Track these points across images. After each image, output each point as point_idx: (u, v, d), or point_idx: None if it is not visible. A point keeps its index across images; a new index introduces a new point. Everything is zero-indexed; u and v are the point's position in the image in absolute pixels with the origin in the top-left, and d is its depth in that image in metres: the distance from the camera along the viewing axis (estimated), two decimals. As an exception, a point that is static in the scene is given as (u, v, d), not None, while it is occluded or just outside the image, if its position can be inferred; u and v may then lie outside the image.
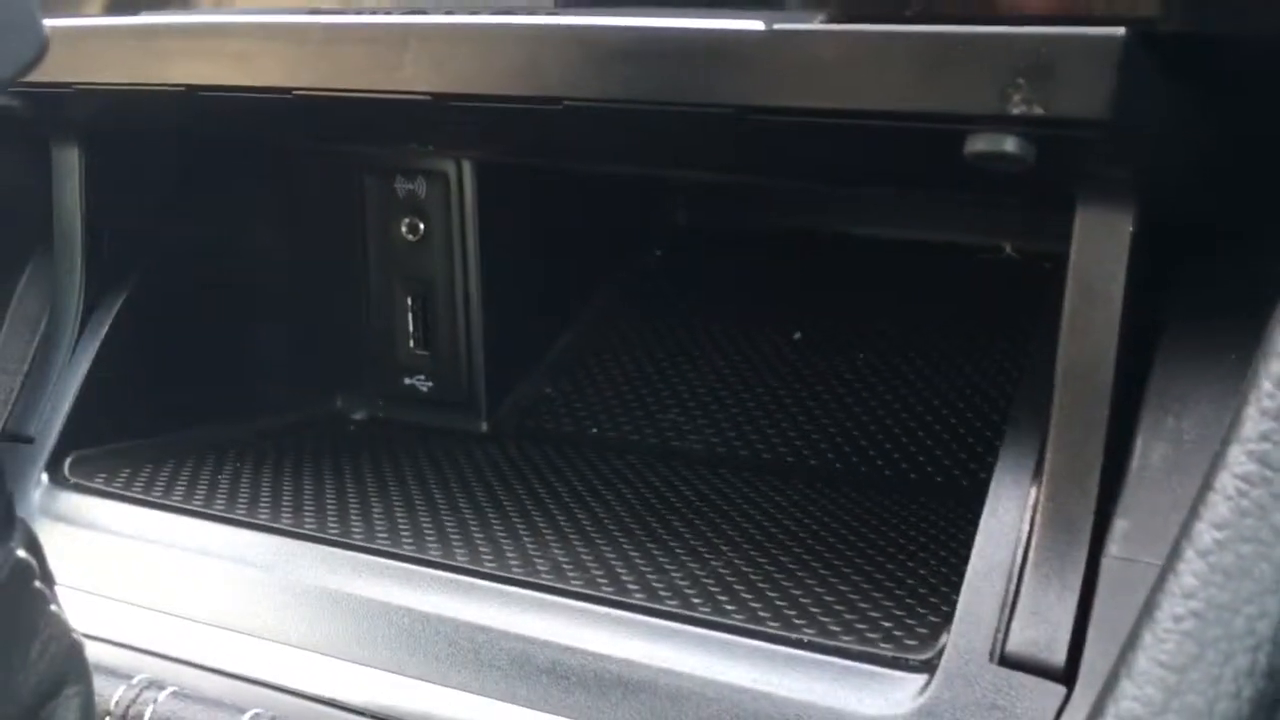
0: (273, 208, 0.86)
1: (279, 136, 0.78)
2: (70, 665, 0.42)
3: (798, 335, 0.92)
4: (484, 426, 0.88)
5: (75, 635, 0.42)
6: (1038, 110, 0.43)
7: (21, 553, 0.40)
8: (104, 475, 0.73)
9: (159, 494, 0.71)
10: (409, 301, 0.89)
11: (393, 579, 0.60)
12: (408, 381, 0.90)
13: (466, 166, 0.84)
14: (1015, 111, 0.43)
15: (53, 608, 0.42)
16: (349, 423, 0.91)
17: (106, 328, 0.76)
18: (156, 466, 0.76)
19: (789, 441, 0.82)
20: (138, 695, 0.54)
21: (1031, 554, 0.50)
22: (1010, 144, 0.44)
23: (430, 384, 0.89)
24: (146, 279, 0.78)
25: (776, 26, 0.46)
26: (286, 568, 0.63)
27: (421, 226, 0.87)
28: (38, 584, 0.41)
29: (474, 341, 0.88)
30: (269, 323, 0.87)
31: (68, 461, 0.73)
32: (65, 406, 0.74)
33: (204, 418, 0.83)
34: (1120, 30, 0.41)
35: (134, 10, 0.62)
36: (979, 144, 0.45)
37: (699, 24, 0.48)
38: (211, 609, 0.61)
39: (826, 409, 0.84)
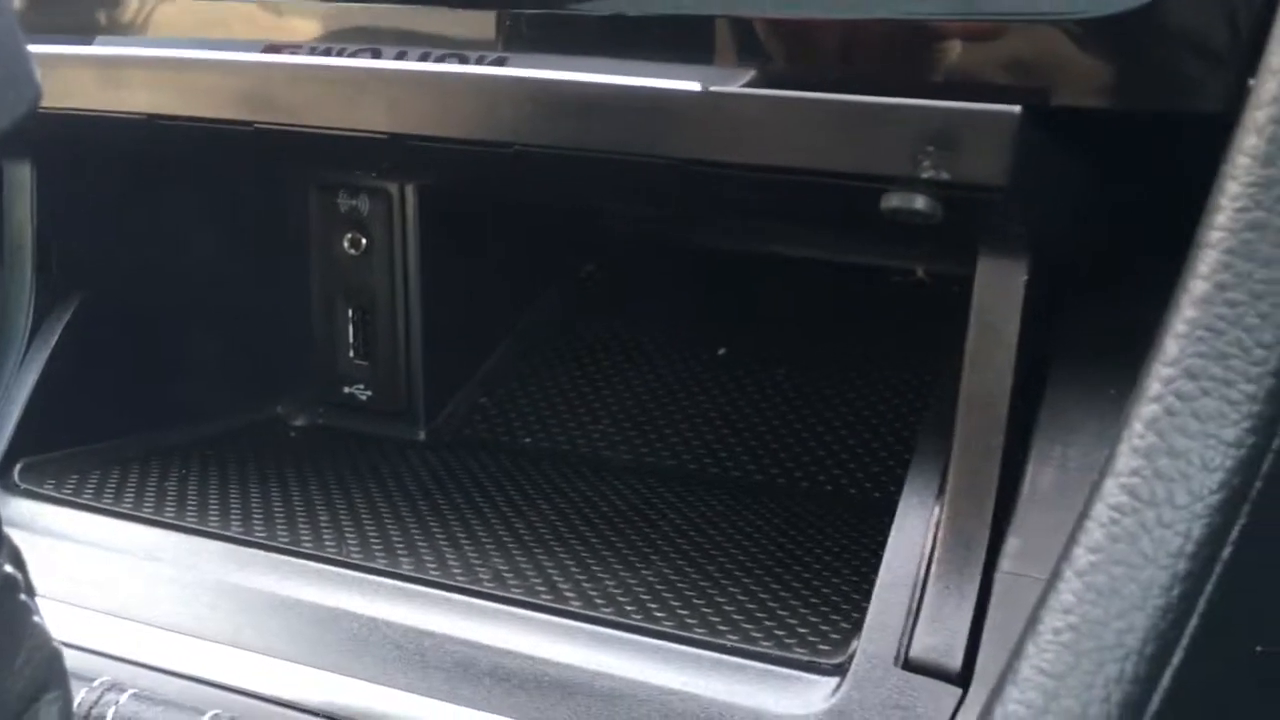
0: (218, 221, 0.88)
1: (230, 160, 0.80)
2: (51, 672, 0.45)
3: (722, 351, 0.96)
4: (422, 435, 0.91)
5: (55, 644, 0.45)
6: (944, 175, 0.48)
7: (8, 567, 0.43)
8: (53, 481, 0.76)
9: (109, 500, 0.74)
10: (350, 313, 0.92)
11: (342, 586, 0.64)
12: (347, 390, 0.93)
13: (409, 186, 0.87)
14: (924, 175, 0.48)
15: (35, 619, 0.45)
16: (289, 429, 0.93)
17: (55, 338, 0.78)
18: (104, 472, 0.78)
19: (713, 453, 0.87)
20: (100, 697, 0.57)
21: (934, 567, 0.55)
22: (920, 202, 0.49)
23: (370, 393, 0.93)
24: (94, 291, 0.81)
25: (712, 89, 0.51)
26: (239, 575, 0.66)
27: (364, 241, 0.90)
28: (22, 596, 0.44)
29: (413, 353, 0.91)
30: (213, 332, 0.89)
31: (17, 468, 0.76)
32: (15, 414, 0.76)
33: (149, 424, 0.85)
34: (1016, 108, 0.47)
35: (89, 38, 0.65)
36: (893, 201, 0.50)
37: (642, 83, 0.52)
38: (166, 614, 0.64)
39: (748, 422, 0.89)
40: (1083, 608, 0.43)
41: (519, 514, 0.75)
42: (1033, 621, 0.45)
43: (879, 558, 0.57)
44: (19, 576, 0.44)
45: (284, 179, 0.90)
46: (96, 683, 0.57)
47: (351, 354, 0.93)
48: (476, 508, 0.76)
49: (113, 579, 0.67)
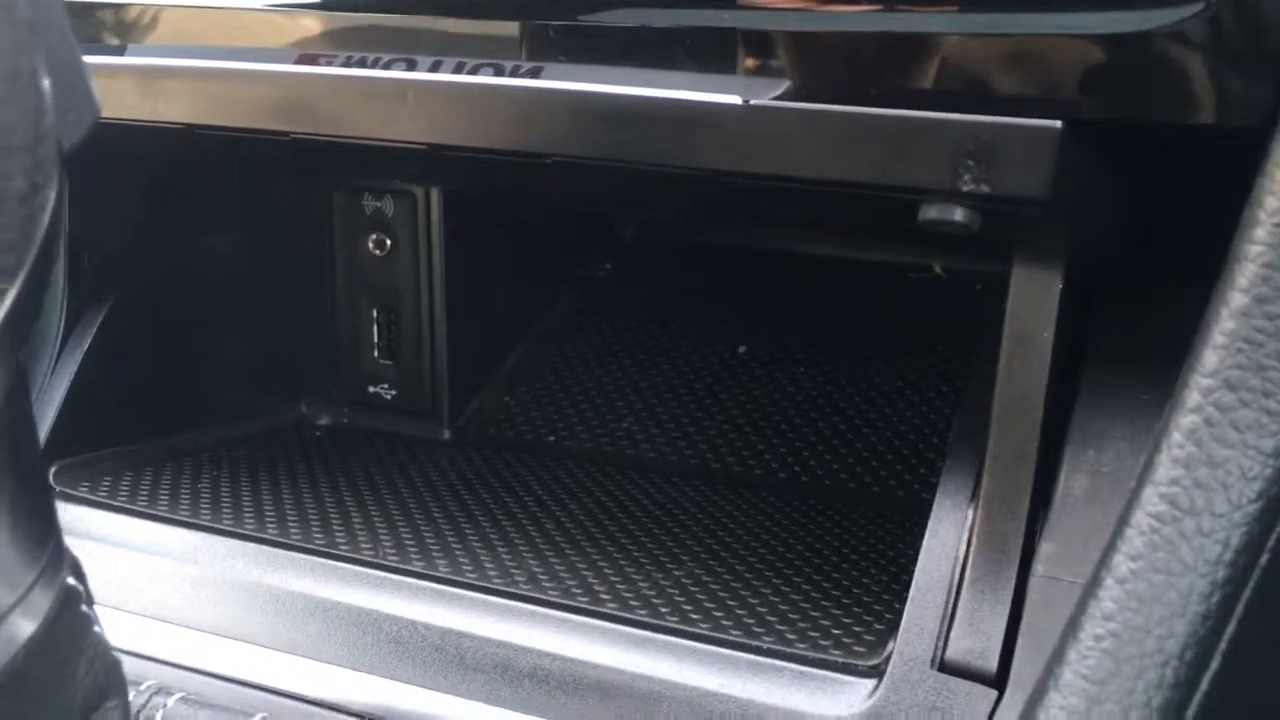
0: (243, 223, 0.89)
1: (259, 165, 0.81)
2: (111, 681, 0.46)
3: (743, 349, 0.97)
4: (446, 434, 0.92)
5: (114, 654, 0.46)
6: (984, 188, 0.49)
7: (70, 580, 0.44)
8: (88, 484, 0.76)
9: (144, 502, 0.75)
10: (374, 313, 0.93)
11: (380, 589, 0.65)
12: (372, 390, 0.94)
13: (434, 189, 0.88)
14: (965, 189, 0.49)
15: (96, 629, 0.46)
16: (314, 428, 0.94)
17: (87, 342, 0.79)
18: (137, 474, 0.79)
19: (735, 451, 0.88)
20: (148, 700, 0.58)
21: (968, 570, 0.56)
22: (959, 214, 0.50)
23: (394, 392, 0.93)
24: (124, 295, 0.81)
25: (753, 102, 0.52)
26: (278, 577, 0.67)
27: (388, 242, 0.91)
28: (84, 608, 0.45)
29: (438, 352, 0.92)
30: (238, 333, 0.90)
31: (51, 471, 0.76)
32: (49, 417, 0.77)
33: (178, 425, 0.86)
34: (1057, 123, 0.47)
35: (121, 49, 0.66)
36: (931, 213, 0.51)
37: (683, 95, 0.53)
38: (206, 617, 0.65)
39: (770, 421, 0.90)
40: (1124, 614, 0.44)
41: (548, 514, 0.76)
42: (1073, 627, 0.45)
43: (906, 557, 0.58)
44: (80, 588, 0.45)
45: (309, 182, 0.90)
46: (144, 686, 0.58)
47: (376, 353, 0.93)
48: (506, 508, 0.77)
49: (153, 582, 0.68)
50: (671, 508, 0.79)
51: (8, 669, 0.39)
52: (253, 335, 0.91)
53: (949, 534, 0.58)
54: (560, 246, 1.03)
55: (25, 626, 0.40)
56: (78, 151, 0.42)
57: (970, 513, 0.58)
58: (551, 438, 0.92)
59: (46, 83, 0.38)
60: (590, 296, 1.03)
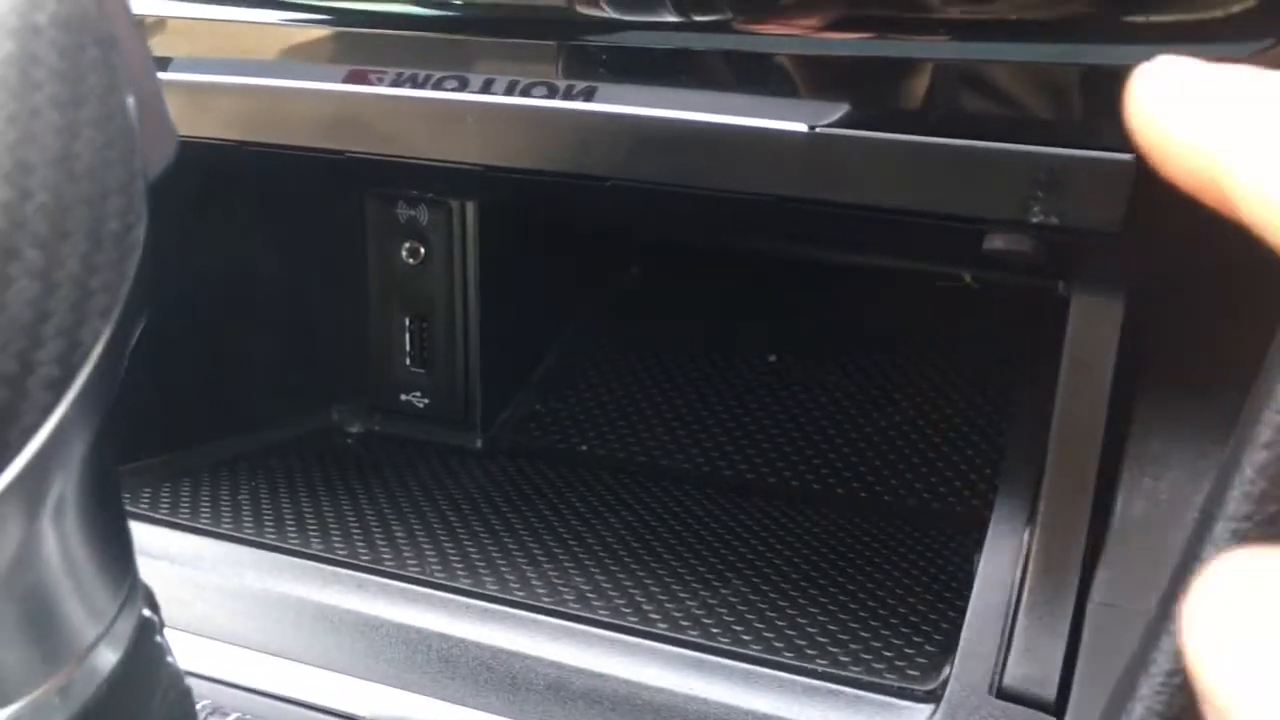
0: (277, 231, 0.89)
1: (301, 177, 0.81)
2: (183, 710, 0.46)
3: (773, 358, 0.97)
4: (479, 443, 0.92)
5: (185, 683, 0.46)
6: (1054, 220, 0.49)
7: (145, 611, 0.44)
8: (127, 496, 0.76)
9: (185, 515, 0.74)
10: (407, 321, 0.93)
11: (428, 606, 0.65)
12: (404, 398, 0.94)
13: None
14: (1034, 220, 0.49)
15: (169, 659, 0.46)
16: (346, 435, 0.94)
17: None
18: (175, 485, 0.79)
19: (769, 462, 0.88)
20: (203, 721, 0.58)
21: (1025, 597, 0.56)
22: (1026, 244, 0.50)
23: (426, 400, 0.93)
24: (160, 304, 0.81)
25: (818, 130, 0.51)
26: (324, 593, 0.67)
27: (422, 250, 0.90)
28: (158, 638, 0.45)
29: (470, 360, 0.92)
30: (271, 340, 0.90)
31: (91, 482, 0.76)
32: (88, 429, 0.77)
33: (211, 433, 0.86)
34: (1130, 156, 0.47)
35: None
36: (997, 242, 0.51)
37: (746, 122, 0.53)
38: (253, 633, 0.65)
39: (802, 430, 0.90)
40: (1196, 651, 0.44)
41: (589, 528, 0.76)
42: (1143, 663, 0.46)
43: (951, 575, 0.59)
44: (155, 619, 0.45)
45: (343, 191, 0.90)
46: (200, 706, 0.58)
47: (408, 361, 0.93)
48: (546, 521, 0.77)
49: (198, 596, 0.68)
50: (710, 521, 0.79)
51: (91, 701, 0.39)
52: (285, 342, 0.91)
53: (1005, 558, 0.58)
54: (589, 251, 1.03)
55: (109, 658, 0.40)
56: (160, 183, 0.42)
57: (1026, 537, 0.58)
58: (584, 446, 0.92)
59: (136, 119, 0.37)
60: (619, 302, 1.03)
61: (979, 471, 0.81)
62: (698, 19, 0.53)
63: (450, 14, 0.59)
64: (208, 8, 0.63)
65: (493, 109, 0.57)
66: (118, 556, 0.42)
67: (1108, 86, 0.48)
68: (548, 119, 0.56)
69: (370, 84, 0.60)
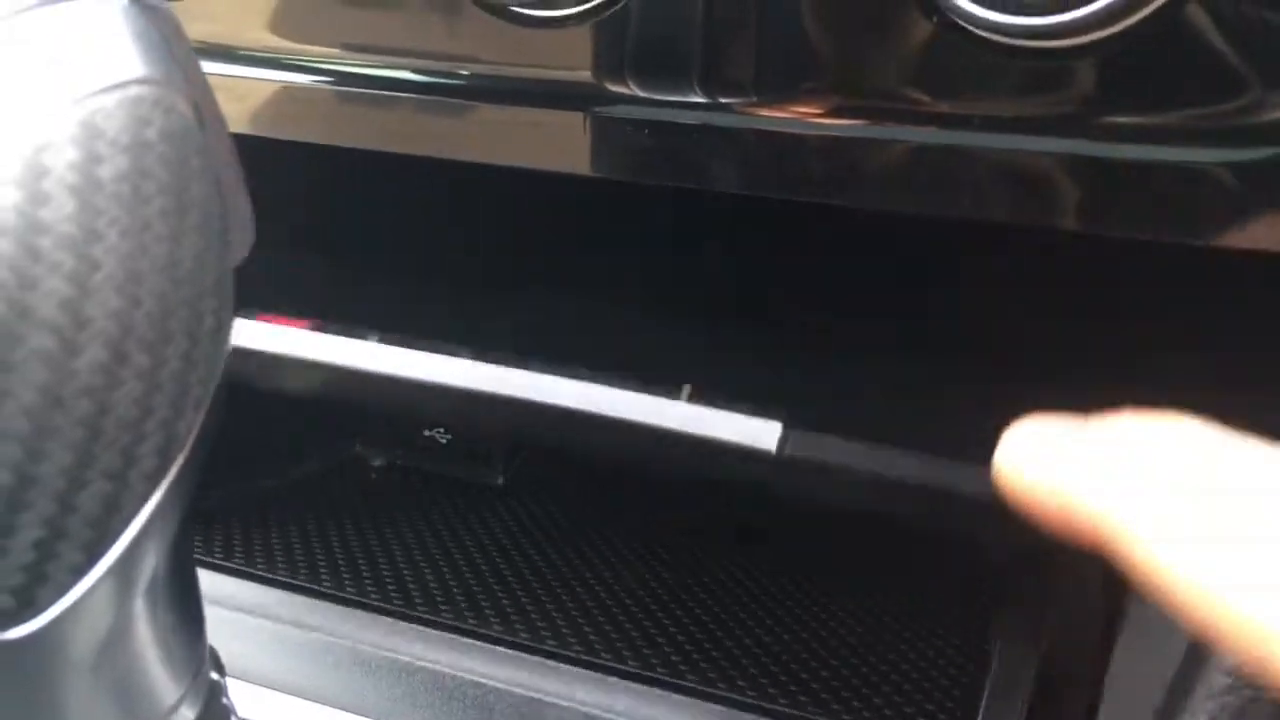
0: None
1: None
2: (243, 766, 0.48)
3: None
4: (500, 480, 0.94)
5: (244, 742, 0.48)
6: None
7: (214, 674, 0.46)
8: (162, 534, 0.78)
9: (219, 555, 0.76)
10: (431, 358, 0.94)
11: (463, 653, 0.66)
12: (427, 433, 0.95)
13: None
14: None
15: (234, 719, 0.47)
16: (370, 469, 0.96)
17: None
18: (207, 526, 0.80)
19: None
20: (245, 767, 0.59)
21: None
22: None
23: (449, 437, 0.95)
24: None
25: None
26: (358, 637, 0.68)
27: (448, 291, 0.92)
28: (225, 700, 0.47)
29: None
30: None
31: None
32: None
33: (239, 469, 0.87)
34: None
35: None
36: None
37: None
38: (289, 677, 0.66)
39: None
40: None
41: (615, 575, 0.78)
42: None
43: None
44: (222, 682, 0.46)
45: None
46: (239, 752, 0.60)
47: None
48: (573, 566, 0.79)
49: (234, 639, 0.69)
50: (736, 571, 0.80)
51: (173, 760, 0.41)
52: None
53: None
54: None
55: (189, 718, 0.42)
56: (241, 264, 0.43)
57: None
58: (599, 487, 0.93)
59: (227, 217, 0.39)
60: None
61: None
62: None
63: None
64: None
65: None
66: (194, 620, 0.43)
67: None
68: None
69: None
